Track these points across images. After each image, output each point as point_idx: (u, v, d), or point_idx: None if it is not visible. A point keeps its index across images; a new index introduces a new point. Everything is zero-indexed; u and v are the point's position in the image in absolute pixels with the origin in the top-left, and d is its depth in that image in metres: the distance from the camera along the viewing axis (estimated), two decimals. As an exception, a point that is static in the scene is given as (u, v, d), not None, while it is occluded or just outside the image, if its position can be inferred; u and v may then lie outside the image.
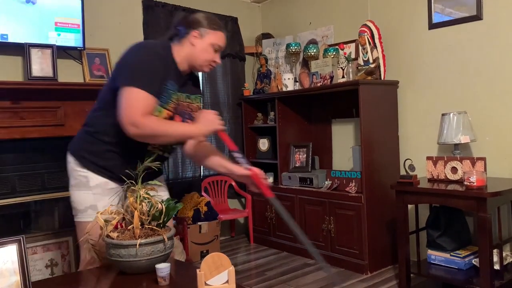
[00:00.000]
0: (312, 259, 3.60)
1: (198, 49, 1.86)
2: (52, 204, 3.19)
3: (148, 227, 1.68)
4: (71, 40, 3.16)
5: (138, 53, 1.79)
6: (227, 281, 1.48)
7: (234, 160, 1.97)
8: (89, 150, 1.89)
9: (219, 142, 4.10)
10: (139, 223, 1.66)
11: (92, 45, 3.35)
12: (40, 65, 2.97)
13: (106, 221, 1.67)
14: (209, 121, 1.84)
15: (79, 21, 3.18)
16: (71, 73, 3.25)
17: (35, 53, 2.95)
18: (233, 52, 4.40)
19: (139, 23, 3.73)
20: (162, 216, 1.70)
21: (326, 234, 3.53)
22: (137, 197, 1.68)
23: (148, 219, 1.69)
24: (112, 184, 1.88)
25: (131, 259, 1.59)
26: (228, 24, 4.36)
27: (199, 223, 3.73)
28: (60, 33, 3.11)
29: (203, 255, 3.69)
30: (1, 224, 2.92)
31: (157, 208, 1.70)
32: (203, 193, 4.12)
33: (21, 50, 2.97)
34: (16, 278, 1.51)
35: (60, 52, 3.13)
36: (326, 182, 3.63)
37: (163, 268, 1.52)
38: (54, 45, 3.06)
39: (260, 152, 4.35)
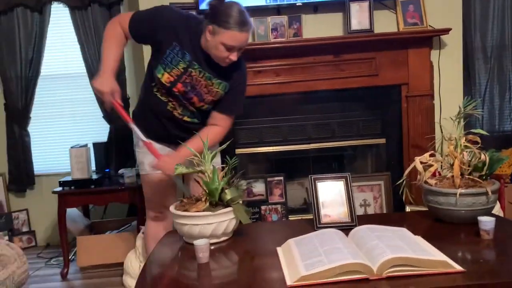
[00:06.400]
0: None
1: (210, 44, 1.80)
2: (366, 149, 3.46)
3: (469, 178, 1.61)
4: (386, -10, 3.20)
5: (157, 7, 1.98)
6: None
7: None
8: (137, 115, 2.13)
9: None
10: (459, 173, 1.60)
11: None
12: (358, 19, 3.16)
13: (426, 165, 1.69)
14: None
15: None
16: (385, 23, 3.32)
17: (353, 8, 3.15)
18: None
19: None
20: (485, 168, 1.59)
21: None
22: (457, 146, 1.63)
23: (468, 169, 1.62)
24: (156, 145, 2.04)
25: (450, 208, 1.57)
26: None
27: (521, 182, 3.29)
28: (377, -15, 3.19)
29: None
30: (324, 163, 3.40)
31: (480, 159, 1.59)
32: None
33: (342, 6, 3.22)
34: (344, 208, 1.74)
35: (375, 4, 3.23)
36: None
37: (488, 222, 1.43)
38: (370, -3, 3.18)
39: None
